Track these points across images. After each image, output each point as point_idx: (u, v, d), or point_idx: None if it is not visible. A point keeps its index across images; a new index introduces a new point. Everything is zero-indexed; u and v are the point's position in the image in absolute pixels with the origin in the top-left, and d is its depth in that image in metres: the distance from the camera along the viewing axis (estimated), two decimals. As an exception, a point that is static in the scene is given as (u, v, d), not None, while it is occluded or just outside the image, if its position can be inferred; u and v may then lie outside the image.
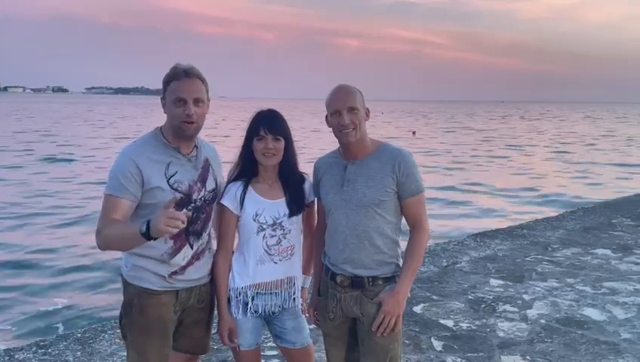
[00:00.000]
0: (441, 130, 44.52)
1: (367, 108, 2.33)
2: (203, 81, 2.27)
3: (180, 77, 2.21)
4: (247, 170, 2.41)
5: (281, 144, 2.34)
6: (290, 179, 2.43)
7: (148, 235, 1.93)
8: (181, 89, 2.20)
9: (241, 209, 2.37)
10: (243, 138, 2.42)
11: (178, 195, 2.23)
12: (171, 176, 2.22)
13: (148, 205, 2.20)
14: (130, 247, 2.19)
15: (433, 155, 24.39)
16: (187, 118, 2.20)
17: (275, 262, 2.41)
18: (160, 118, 2.36)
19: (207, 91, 2.29)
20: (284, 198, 2.41)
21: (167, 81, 2.24)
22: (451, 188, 15.76)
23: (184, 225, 1.91)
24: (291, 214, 2.40)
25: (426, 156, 23.25)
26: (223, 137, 26.20)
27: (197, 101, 2.22)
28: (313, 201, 2.50)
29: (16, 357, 3.63)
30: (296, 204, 2.42)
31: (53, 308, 6.64)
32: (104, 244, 2.14)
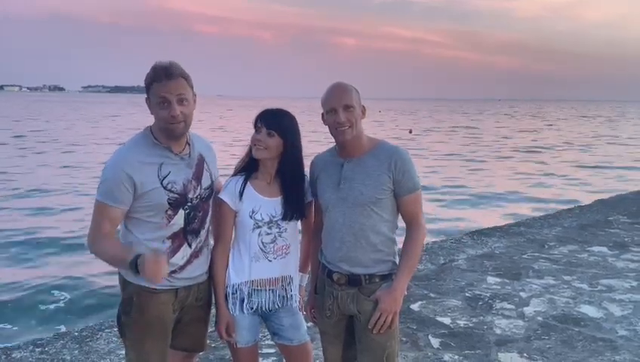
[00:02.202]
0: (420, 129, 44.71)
1: (364, 106, 2.32)
2: (186, 78, 2.20)
3: (161, 78, 2.15)
4: (249, 164, 2.41)
5: (275, 140, 2.31)
6: (287, 180, 2.39)
7: (136, 271, 2.06)
8: (164, 90, 2.15)
9: (239, 204, 2.37)
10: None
11: (173, 196, 2.22)
12: (165, 177, 2.21)
13: (146, 207, 2.20)
14: (120, 268, 2.26)
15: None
16: (172, 120, 2.16)
17: (270, 260, 2.40)
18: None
19: (191, 87, 2.23)
20: (281, 197, 2.40)
21: (149, 82, 2.19)
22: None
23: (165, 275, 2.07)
24: (284, 217, 2.38)
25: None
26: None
27: (181, 100, 2.17)
28: (311, 201, 2.49)
29: (13, 355, 3.62)
30: (291, 206, 2.39)
31: (50, 307, 6.64)
32: (96, 256, 2.21)
